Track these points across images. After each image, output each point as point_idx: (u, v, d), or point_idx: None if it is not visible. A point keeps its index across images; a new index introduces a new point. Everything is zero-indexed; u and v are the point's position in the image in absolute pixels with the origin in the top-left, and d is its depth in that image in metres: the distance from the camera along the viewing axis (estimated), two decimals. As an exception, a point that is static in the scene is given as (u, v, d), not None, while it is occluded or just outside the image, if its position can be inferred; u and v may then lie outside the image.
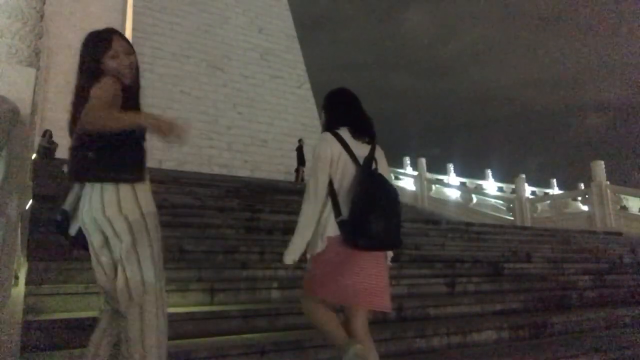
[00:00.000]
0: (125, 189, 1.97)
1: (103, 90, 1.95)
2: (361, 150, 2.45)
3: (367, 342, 2.38)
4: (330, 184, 2.42)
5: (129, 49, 2.22)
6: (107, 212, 1.94)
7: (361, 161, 2.41)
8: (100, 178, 1.96)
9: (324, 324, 2.41)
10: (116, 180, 1.96)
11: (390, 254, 2.54)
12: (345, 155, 2.42)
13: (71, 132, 2.08)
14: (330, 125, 2.53)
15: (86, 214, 1.99)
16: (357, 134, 2.48)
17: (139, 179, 2.02)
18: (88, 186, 2.01)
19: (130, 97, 2.09)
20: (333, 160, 2.41)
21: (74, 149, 2.01)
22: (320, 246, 2.39)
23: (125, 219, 1.95)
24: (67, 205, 2.15)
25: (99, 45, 2.20)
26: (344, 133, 2.47)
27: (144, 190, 2.04)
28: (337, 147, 2.42)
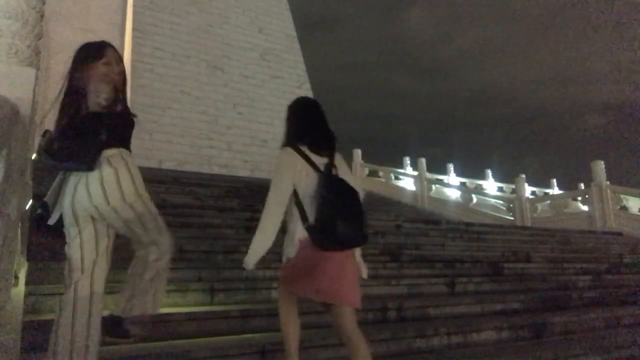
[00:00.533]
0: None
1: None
2: (321, 159, 2.64)
3: (358, 342, 2.49)
4: (295, 194, 2.59)
5: (119, 58, 2.52)
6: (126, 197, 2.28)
7: (322, 168, 2.59)
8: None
9: (286, 320, 2.66)
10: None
11: (358, 251, 2.71)
12: (306, 166, 2.59)
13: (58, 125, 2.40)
14: (291, 141, 2.70)
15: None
16: (316, 149, 2.65)
17: None
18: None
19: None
20: (295, 172, 2.59)
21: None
22: (292, 251, 2.58)
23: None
24: (47, 198, 2.43)
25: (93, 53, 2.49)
26: (303, 147, 2.65)
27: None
28: (299, 159, 2.61)
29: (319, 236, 2.49)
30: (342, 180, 2.61)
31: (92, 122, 2.26)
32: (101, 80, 2.33)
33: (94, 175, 2.23)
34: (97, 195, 2.23)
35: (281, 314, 2.70)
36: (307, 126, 2.74)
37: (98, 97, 2.28)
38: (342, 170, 2.71)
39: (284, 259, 2.66)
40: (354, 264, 2.64)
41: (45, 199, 2.47)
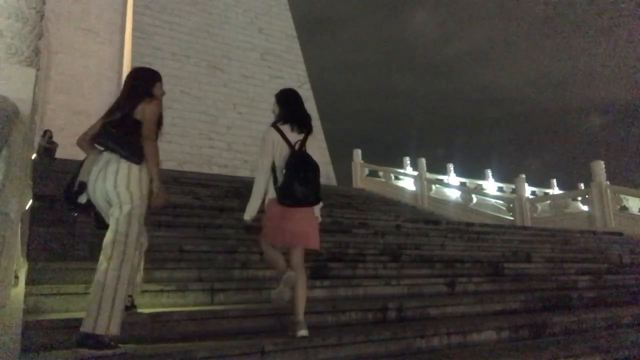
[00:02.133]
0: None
1: (158, 107, 3.12)
2: (297, 136, 3.46)
3: (300, 272, 3.36)
4: (273, 162, 3.42)
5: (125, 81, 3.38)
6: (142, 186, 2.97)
7: (294, 145, 3.41)
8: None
9: (271, 257, 3.46)
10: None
11: (318, 209, 3.53)
12: (282, 142, 3.43)
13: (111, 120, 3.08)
14: (275, 122, 3.56)
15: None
16: (294, 128, 3.49)
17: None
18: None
19: (161, 119, 3.20)
20: (274, 145, 3.43)
21: (108, 125, 3.05)
22: (265, 205, 3.48)
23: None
24: (84, 177, 3.01)
25: (154, 76, 3.34)
26: (284, 127, 3.49)
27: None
28: (277, 136, 3.45)
29: (281, 195, 3.30)
30: (306, 155, 3.40)
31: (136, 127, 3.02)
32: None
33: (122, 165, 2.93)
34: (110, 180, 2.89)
35: (266, 255, 3.52)
36: (287, 111, 3.58)
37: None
38: (312, 149, 3.49)
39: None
40: (313, 219, 3.47)
41: (81, 179, 3.03)
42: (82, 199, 2.98)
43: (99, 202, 2.94)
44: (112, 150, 2.97)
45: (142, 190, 2.94)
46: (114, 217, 2.85)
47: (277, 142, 3.43)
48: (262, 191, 3.45)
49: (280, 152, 3.40)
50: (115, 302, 2.65)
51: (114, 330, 2.61)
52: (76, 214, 3.17)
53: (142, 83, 3.27)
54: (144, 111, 3.08)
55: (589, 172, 13.37)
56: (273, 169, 3.40)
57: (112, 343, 2.63)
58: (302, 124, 3.52)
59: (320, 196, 3.41)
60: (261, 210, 3.53)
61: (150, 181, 2.98)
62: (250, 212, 3.48)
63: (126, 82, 3.34)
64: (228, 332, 3.36)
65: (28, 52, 3.31)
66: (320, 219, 3.59)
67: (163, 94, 3.33)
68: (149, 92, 3.20)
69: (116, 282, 2.68)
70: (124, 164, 2.93)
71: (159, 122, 3.13)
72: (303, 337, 3.15)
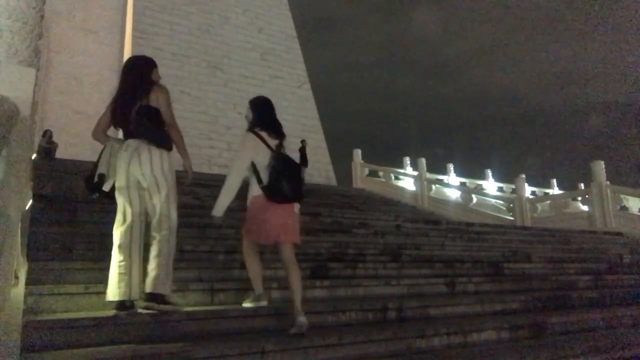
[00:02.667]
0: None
1: (169, 96, 3.48)
2: (273, 141, 3.78)
3: (293, 265, 3.57)
4: (253, 165, 3.72)
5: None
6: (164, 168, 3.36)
7: (274, 148, 3.73)
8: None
9: (254, 268, 3.82)
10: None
11: (298, 205, 3.77)
12: (262, 146, 3.72)
13: (123, 113, 3.37)
14: (252, 127, 3.84)
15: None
16: (271, 134, 3.80)
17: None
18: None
19: None
20: (255, 149, 3.72)
21: (140, 118, 3.32)
22: (248, 202, 3.76)
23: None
24: (103, 169, 3.35)
25: (154, 63, 3.58)
26: (262, 132, 3.78)
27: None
28: (257, 141, 3.74)
29: (270, 193, 3.58)
30: (288, 156, 3.76)
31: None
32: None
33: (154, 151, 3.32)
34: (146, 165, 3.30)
35: (246, 262, 3.86)
36: (263, 117, 3.90)
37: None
38: (289, 149, 3.90)
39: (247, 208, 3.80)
40: (294, 214, 3.71)
41: (100, 171, 3.34)
42: (107, 187, 3.38)
43: (130, 182, 3.31)
44: (143, 138, 3.28)
45: (173, 173, 3.39)
46: (156, 201, 3.31)
47: (258, 146, 3.74)
48: (234, 191, 3.76)
49: (262, 156, 3.71)
50: (170, 269, 3.27)
51: (170, 291, 3.29)
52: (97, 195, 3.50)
53: (149, 71, 3.51)
54: (158, 98, 3.38)
55: (589, 172, 13.37)
56: (255, 171, 3.71)
57: (170, 301, 3.24)
58: (278, 130, 3.88)
59: (303, 193, 3.77)
60: (243, 209, 3.88)
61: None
62: (220, 209, 3.79)
63: (131, 69, 3.52)
64: (228, 332, 3.36)
65: (28, 52, 3.31)
66: (298, 213, 3.86)
67: (159, 79, 3.60)
68: (155, 79, 3.52)
69: (172, 251, 3.30)
70: (156, 151, 3.29)
71: None
72: (303, 326, 3.32)
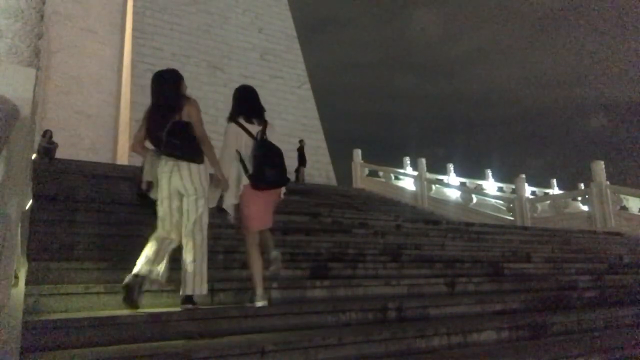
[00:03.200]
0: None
1: (199, 110, 3.68)
2: (256, 128, 3.91)
3: (269, 236, 4.04)
4: (238, 154, 3.84)
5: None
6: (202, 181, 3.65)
7: (256, 135, 3.86)
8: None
9: (257, 264, 3.86)
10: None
11: (283, 189, 4.00)
12: (244, 135, 3.88)
13: (156, 133, 3.57)
14: (233, 117, 3.97)
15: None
16: (253, 121, 3.94)
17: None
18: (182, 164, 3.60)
19: None
20: (237, 138, 3.87)
21: (171, 138, 3.50)
22: (240, 190, 3.85)
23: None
24: (149, 177, 3.64)
25: (181, 76, 3.79)
26: (243, 121, 3.92)
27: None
28: (239, 130, 3.90)
29: (255, 180, 3.74)
30: (269, 143, 3.87)
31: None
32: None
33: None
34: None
35: (250, 259, 3.89)
36: (243, 106, 4.01)
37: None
38: (272, 137, 3.94)
39: (235, 203, 3.92)
40: (275, 200, 3.99)
41: (147, 179, 3.66)
42: (154, 195, 3.68)
43: (172, 193, 3.63)
44: (175, 157, 3.53)
45: (208, 182, 3.68)
46: (195, 209, 3.61)
47: (240, 135, 3.88)
48: (234, 181, 3.88)
49: (245, 144, 3.85)
50: (204, 272, 3.59)
51: (206, 291, 3.64)
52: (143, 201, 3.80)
53: (181, 85, 3.71)
54: (190, 113, 3.60)
55: (589, 172, 13.37)
56: (241, 160, 3.84)
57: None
58: (260, 116, 3.99)
59: (288, 178, 3.95)
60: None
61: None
62: (229, 202, 3.90)
63: (164, 83, 3.70)
64: (228, 332, 3.36)
65: (28, 52, 3.31)
66: (282, 197, 4.11)
67: (186, 89, 3.83)
68: (184, 91, 3.75)
69: (205, 255, 3.63)
70: (194, 167, 3.58)
71: None
72: (277, 258, 3.91)
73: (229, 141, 3.89)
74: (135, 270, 3.45)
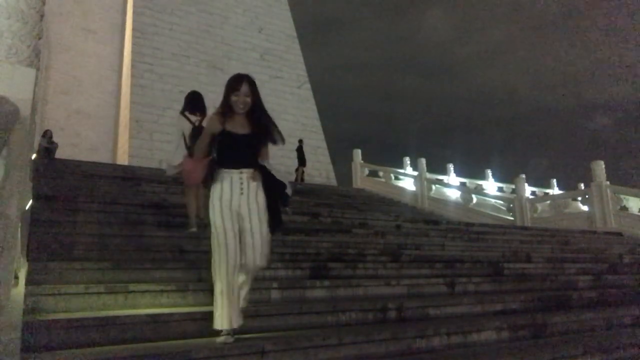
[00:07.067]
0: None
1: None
2: (195, 118, 6.26)
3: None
4: (183, 134, 6.13)
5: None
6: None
7: (195, 124, 6.18)
8: None
9: (187, 200, 6.16)
10: None
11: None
12: (187, 123, 6.25)
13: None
14: (182, 111, 6.37)
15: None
16: (195, 113, 6.29)
17: None
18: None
19: None
20: (183, 126, 6.21)
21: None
22: (182, 161, 4.61)
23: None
24: None
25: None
26: (187, 114, 6.32)
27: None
28: (184, 120, 6.27)
29: (190, 152, 5.09)
30: (199, 127, 5.47)
31: None
32: None
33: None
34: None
35: (186, 197, 6.01)
36: (192, 105, 6.34)
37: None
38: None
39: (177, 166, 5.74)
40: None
41: None
42: None
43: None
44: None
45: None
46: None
47: (184, 123, 6.08)
48: (177, 153, 5.82)
49: (187, 129, 6.00)
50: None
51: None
52: None
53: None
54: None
55: (589, 172, 13.37)
56: (184, 139, 5.96)
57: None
58: (201, 111, 6.19)
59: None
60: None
61: None
62: (174, 168, 5.93)
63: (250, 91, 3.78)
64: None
65: (28, 52, 3.31)
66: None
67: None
68: None
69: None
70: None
71: None
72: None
73: (177, 126, 6.28)
74: None
